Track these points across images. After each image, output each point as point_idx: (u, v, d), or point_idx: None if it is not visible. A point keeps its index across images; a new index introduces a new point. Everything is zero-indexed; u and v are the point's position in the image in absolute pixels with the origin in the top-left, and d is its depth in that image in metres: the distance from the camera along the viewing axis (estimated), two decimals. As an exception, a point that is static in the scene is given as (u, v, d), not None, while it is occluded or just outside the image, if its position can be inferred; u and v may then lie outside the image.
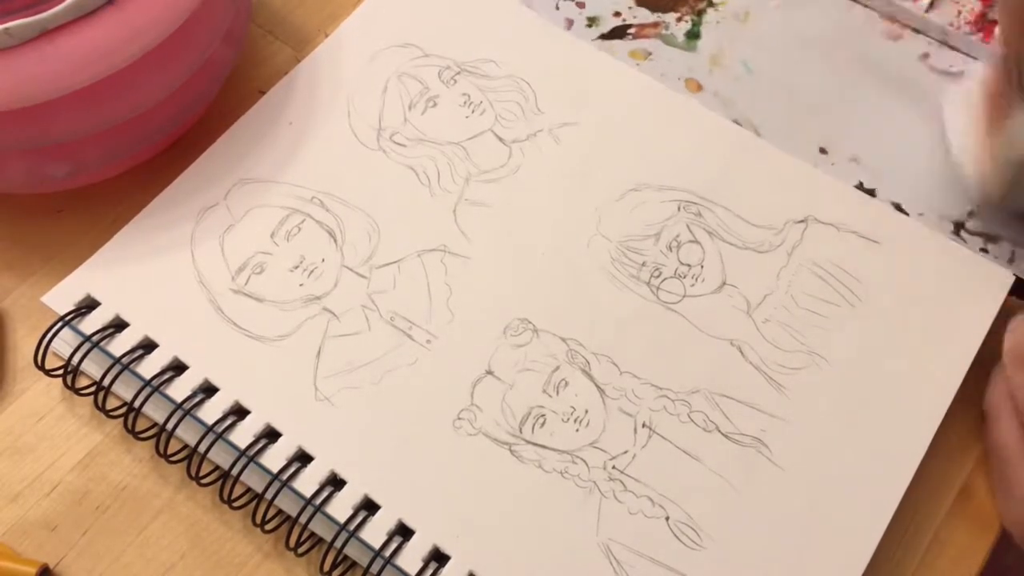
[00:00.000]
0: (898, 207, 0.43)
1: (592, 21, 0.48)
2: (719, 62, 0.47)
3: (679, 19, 0.48)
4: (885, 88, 0.47)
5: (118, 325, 0.39)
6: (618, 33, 0.48)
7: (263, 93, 0.45)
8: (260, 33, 0.48)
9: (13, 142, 0.38)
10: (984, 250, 0.43)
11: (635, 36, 0.48)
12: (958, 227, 0.43)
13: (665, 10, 0.49)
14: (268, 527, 0.36)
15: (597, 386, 0.39)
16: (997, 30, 0.47)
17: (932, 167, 0.45)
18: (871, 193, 0.44)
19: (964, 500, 0.39)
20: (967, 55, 0.48)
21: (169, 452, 0.37)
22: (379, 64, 0.46)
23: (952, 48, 0.48)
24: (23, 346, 0.40)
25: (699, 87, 0.47)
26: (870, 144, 0.45)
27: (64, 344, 0.39)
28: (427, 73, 0.46)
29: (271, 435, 0.37)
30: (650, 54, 0.47)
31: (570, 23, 0.48)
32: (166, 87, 0.40)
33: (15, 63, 0.35)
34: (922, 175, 0.45)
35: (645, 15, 0.48)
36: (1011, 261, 0.42)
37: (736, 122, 0.46)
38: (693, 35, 0.48)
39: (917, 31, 0.48)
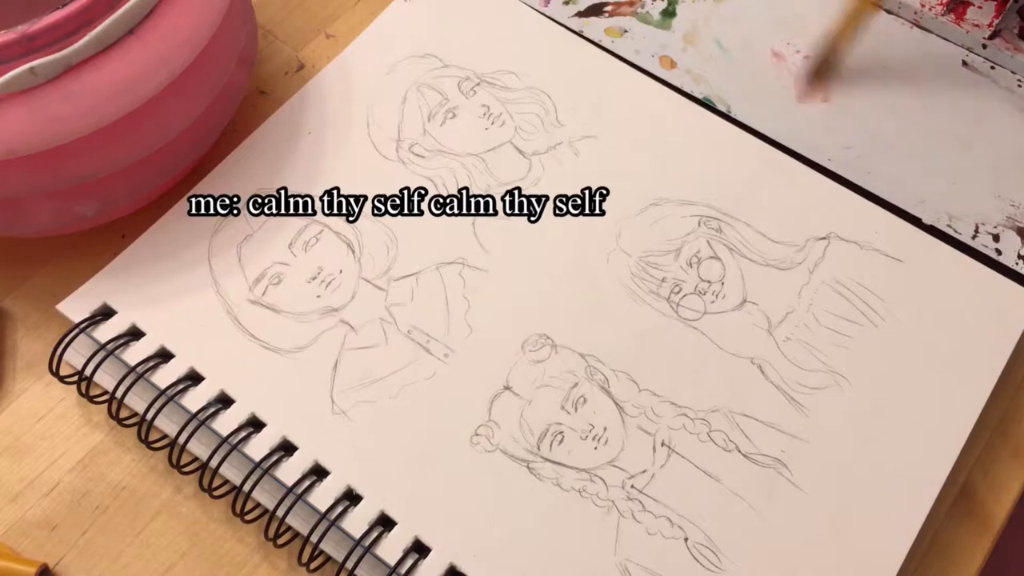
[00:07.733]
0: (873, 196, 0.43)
1: None
2: (693, 40, 0.47)
3: None
4: None
5: (134, 334, 0.39)
6: (595, 11, 0.48)
7: (264, 93, 0.45)
8: (260, 33, 0.48)
9: (41, 185, 0.37)
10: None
11: (611, 14, 0.48)
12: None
13: None
14: (280, 541, 0.36)
15: (616, 403, 0.38)
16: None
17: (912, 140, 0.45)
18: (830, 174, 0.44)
19: (964, 500, 0.39)
20: (940, 37, 0.47)
21: (182, 463, 0.37)
22: (398, 75, 0.46)
23: (924, 30, 0.48)
24: (23, 346, 0.40)
25: (672, 64, 0.47)
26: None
27: (76, 354, 0.39)
28: (446, 84, 0.46)
29: (287, 448, 0.37)
30: (626, 31, 0.48)
31: (547, 0, 0.48)
32: (191, 114, 0.39)
33: (41, 103, 0.34)
34: (898, 146, 0.44)
35: None
36: None
37: (707, 99, 0.45)
38: (669, 13, 0.48)
39: (890, 12, 0.48)
